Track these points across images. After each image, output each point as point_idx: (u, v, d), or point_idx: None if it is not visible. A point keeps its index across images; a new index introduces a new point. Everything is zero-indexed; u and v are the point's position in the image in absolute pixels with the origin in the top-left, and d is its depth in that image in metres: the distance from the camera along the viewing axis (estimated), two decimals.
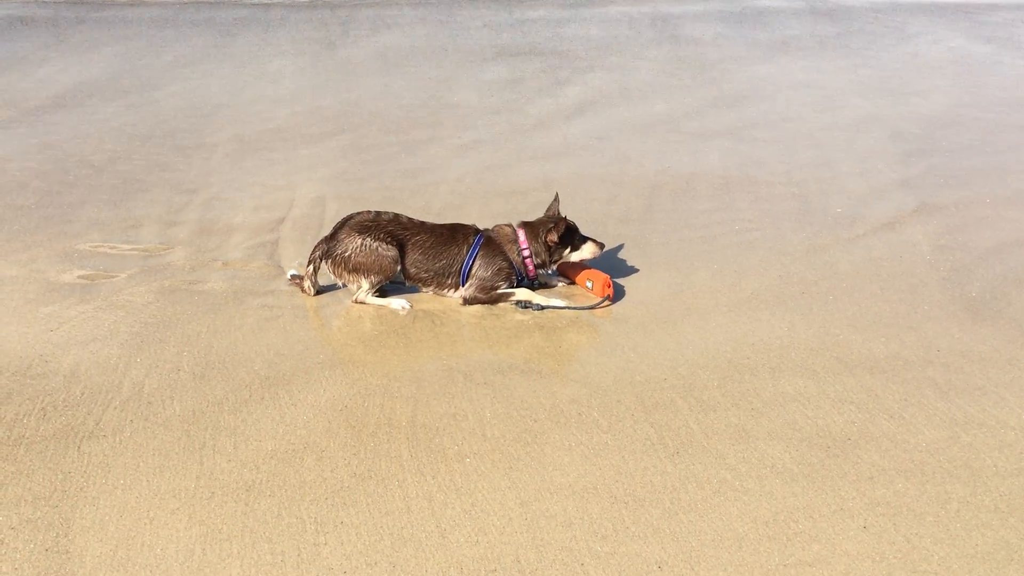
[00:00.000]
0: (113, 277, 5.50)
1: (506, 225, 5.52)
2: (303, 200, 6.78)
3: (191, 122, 8.61)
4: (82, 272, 5.55)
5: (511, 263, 5.40)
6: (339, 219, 5.46)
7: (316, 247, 5.36)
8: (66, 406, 4.21)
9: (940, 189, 7.29)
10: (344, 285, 5.37)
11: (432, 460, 3.91)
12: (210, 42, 12.07)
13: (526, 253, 5.41)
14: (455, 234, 5.41)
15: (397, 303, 5.29)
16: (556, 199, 5.55)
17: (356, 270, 5.25)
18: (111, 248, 5.90)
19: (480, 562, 3.37)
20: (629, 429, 4.15)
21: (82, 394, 4.31)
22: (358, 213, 5.42)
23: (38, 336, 4.81)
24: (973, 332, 5.08)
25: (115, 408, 4.21)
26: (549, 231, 5.38)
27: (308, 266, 5.35)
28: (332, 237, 5.33)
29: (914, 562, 3.40)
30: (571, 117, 9.08)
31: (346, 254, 5.25)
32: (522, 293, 5.37)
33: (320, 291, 5.40)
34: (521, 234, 5.43)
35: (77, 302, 5.18)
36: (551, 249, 5.43)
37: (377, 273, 5.25)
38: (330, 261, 5.29)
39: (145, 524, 3.50)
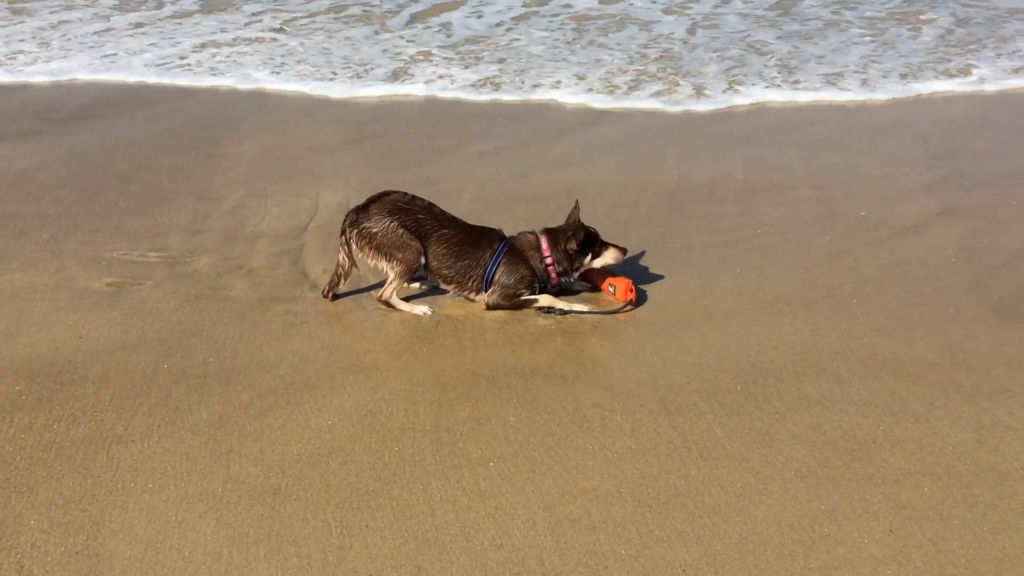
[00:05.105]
0: (140, 284, 5.57)
1: (529, 232, 5.51)
2: (327, 207, 6.83)
3: (215, 131, 8.69)
4: (110, 279, 5.62)
5: (534, 271, 5.40)
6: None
7: (346, 216, 5.36)
8: (95, 411, 4.27)
9: (965, 192, 7.23)
10: (369, 264, 5.35)
11: (456, 464, 3.93)
12: None
13: (548, 261, 5.41)
14: (481, 237, 5.41)
15: (420, 308, 5.31)
16: (576, 207, 5.51)
17: (379, 250, 5.24)
18: (138, 256, 5.97)
19: (504, 565, 3.38)
20: (652, 433, 4.15)
21: (111, 400, 4.37)
22: (394, 192, 5.41)
23: (67, 343, 4.88)
24: (999, 335, 5.04)
25: (143, 413, 4.26)
26: (568, 239, 5.38)
27: (341, 236, 5.34)
28: (364, 209, 5.32)
29: (940, 566, 3.39)
30: (592, 123, 9.08)
31: (373, 230, 5.23)
32: (545, 299, 5.37)
33: (337, 297, 5.43)
34: (544, 242, 5.43)
35: (105, 309, 5.25)
36: (571, 257, 5.42)
37: (400, 262, 5.23)
38: (356, 232, 5.29)
39: (173, 527, 3.55)
